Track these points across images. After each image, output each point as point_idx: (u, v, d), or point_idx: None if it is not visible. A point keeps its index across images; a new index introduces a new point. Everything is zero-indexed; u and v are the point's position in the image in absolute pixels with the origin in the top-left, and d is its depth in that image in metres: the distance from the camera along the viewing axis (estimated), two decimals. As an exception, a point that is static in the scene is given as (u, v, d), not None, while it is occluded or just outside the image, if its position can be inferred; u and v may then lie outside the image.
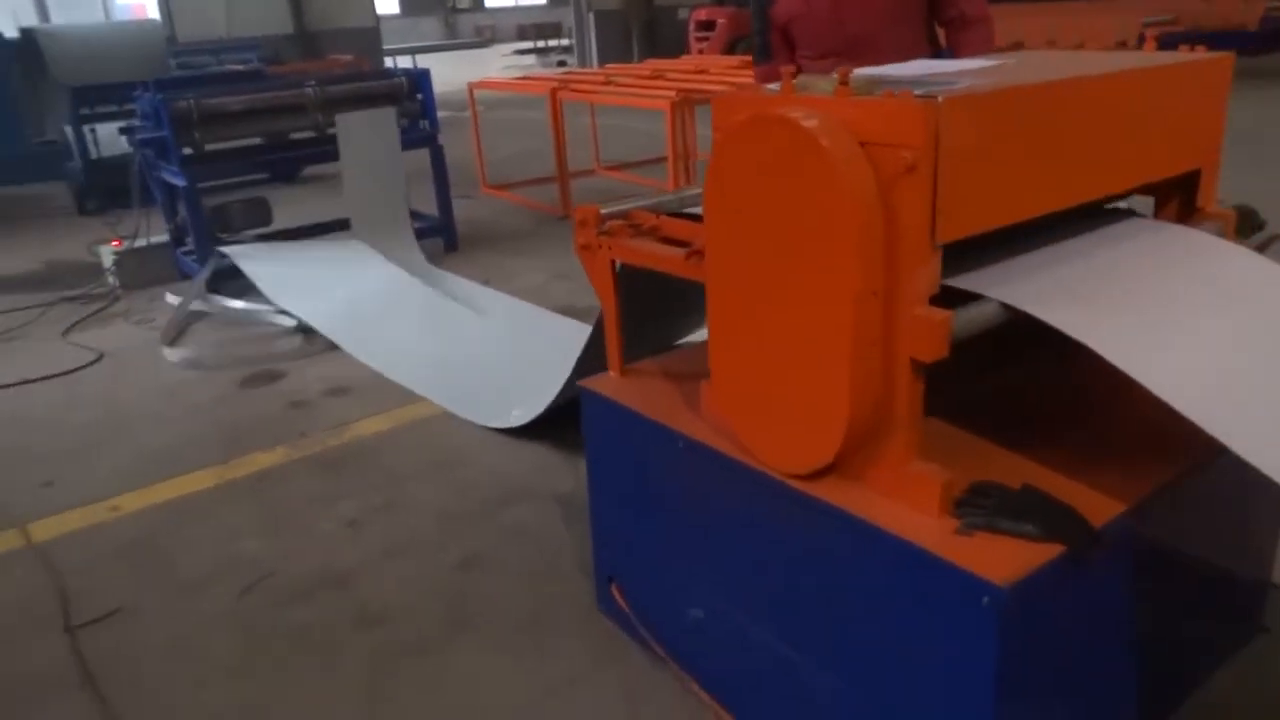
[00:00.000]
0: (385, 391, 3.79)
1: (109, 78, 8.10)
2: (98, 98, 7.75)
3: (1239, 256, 1.80)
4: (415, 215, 5.86)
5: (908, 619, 1.52)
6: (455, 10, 33.94)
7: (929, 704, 1.53)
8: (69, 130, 7.88)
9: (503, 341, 4.17)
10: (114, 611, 2.50)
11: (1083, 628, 1.59)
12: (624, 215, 2.12)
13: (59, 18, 14.34)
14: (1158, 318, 1.56)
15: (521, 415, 3.26)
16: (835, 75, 1.51)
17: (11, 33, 9.87)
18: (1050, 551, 1.43)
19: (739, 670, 1.94)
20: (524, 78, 8.59)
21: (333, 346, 4.27)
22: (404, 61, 21.52)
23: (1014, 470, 1.63)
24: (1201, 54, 1.87)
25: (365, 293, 4.82)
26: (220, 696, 2.17)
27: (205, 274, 5.00)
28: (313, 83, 5.44)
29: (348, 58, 12.88)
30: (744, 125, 1.57)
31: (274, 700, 2.14)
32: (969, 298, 1.54)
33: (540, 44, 26.54)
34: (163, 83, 5.73)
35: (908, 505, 1.55)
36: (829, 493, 1.62)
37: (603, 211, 2.10)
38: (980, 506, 1.51)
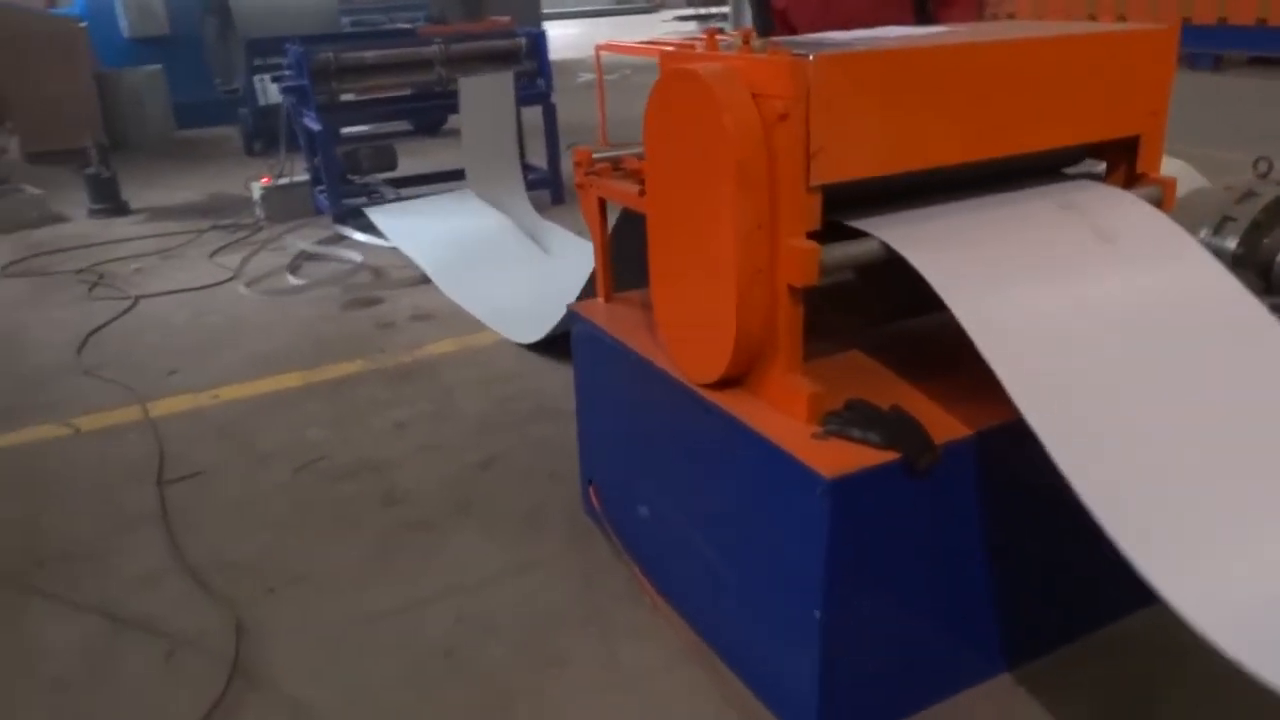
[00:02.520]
0: (461, 320, 4.22)
1: (286, 31, 8.90)
2: (269, 50, 8.52)
3: (1147, 218, 1.91)
4: (529, 168, 6.27)
5: (772, 505, 1.77)
6: (628, -25, 34.29)
7: (784, 578, 1.78)
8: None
9: (568, 277, 4.52)
10: (197, 473, 3.01)
11: (937, 537, 1.78)
12: (616, 159, 2.39)
13: (255, -24, 15.56)
14: (1010, 266, 1.73)
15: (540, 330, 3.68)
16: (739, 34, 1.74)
17: (207, -11, 10.93)
18: (886, 457, 1.65)
19: (670, 558, 2.22)
20: (648, 42, 8.85)
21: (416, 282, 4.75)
22: (568, 25, 22.14)
23: (901, 394, 1.83)
24: (1138, 25, 1.97)
25: (465, 237, 5.27)
26: (260, 542, 2.62)
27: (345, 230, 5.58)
28: (440, 40, 5.90)
29: (505, 19, 13.45)
30: (666, 76, 1.82)
31: (301, 551, 2.58)
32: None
33: (702, 10, 26.56)
34: (311, 37, 6.32)
35: (784, 413, 1.78)
36: (726, 400, 1.87)
37: (595, 155, 2.38)
38: (842, 418, 1.73)
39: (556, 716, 1.96)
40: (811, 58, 1.58)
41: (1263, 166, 3.64)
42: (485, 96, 5.85)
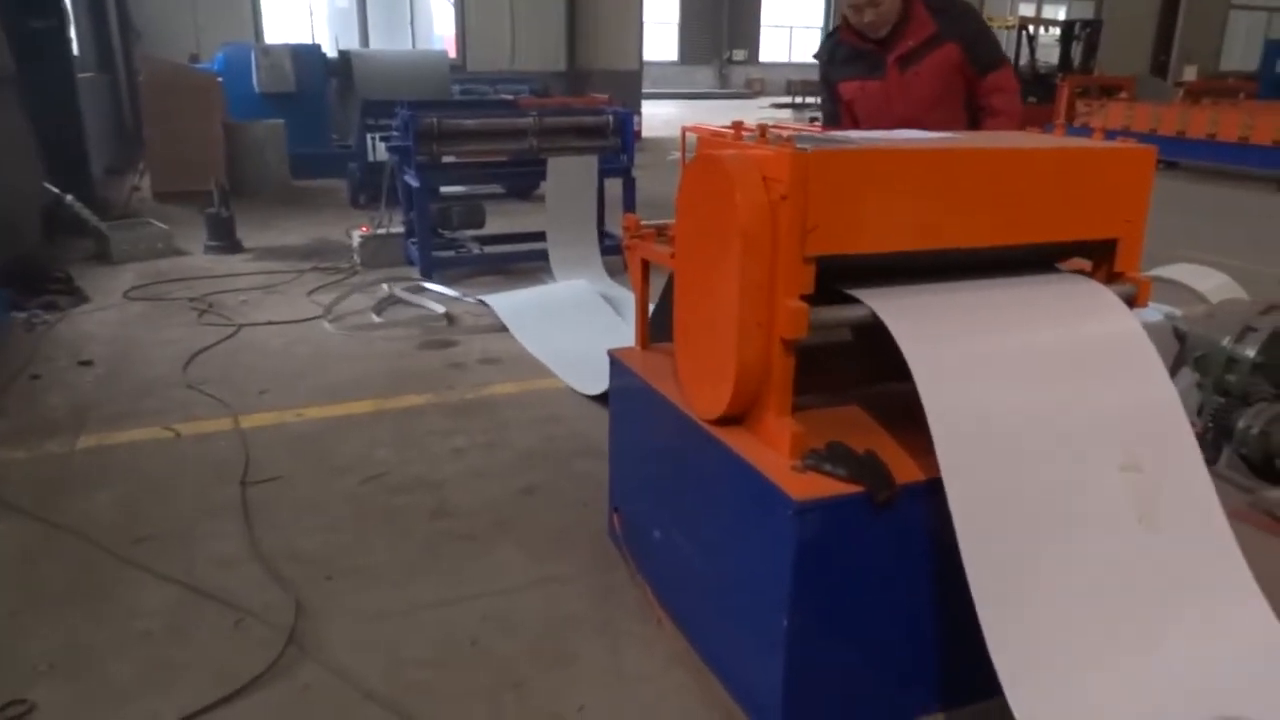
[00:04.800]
0: (525, 365, 4.61)
1: (400, 96, 9.66)
2: (381, 111, 9.25)
3: (1104, 310, 2.16)
4: (607, 236, 6.71)
5: (754, 525, 2.05)
6: (730, 62, 35.40)
7: (759, 589, 2.04)
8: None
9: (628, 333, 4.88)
10: (276, 477, 3.40)
11: (894, 566, 2.02)
12: (661, 227, 2.74)
13: (376, 43, 16.74)
14: (971, 339, 2.01)
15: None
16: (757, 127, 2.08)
17: (332, 54, 11.90)
18: (852, 489, 1.92)
19: (674, 575, 2.49)
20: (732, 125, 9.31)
21: (488, 330, 5.17)
22: (670, 105, 23.05)
23: (878, 442, 2.10)
24: (1120, 144, 2.25)
25: (546, 296, 5.70)
26: (324, 539, 2.98)
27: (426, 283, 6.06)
28: (534, 113, 6.43)
29: (603, 97, 14.17)
30: (697, 158, 2.17)
31: (358, 549, 2.93)
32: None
33: (798, 100, 27.29)
34: (419, 103, 6.92)
35: (772, 449, 2.06)
36: (726, 434, 2.16)
37: (642, 222, 2.74)
38: (820, 455, 2.00)
39: (557, 702, 2.24)
40: (810, 150, 1.91)
41: (1289, 280, 3.81)
42: (570, 174, 6.36)
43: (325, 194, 9.92)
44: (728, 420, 2.18)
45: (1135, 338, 2.12)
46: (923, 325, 1.98)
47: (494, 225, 7.03)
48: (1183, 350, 3.86)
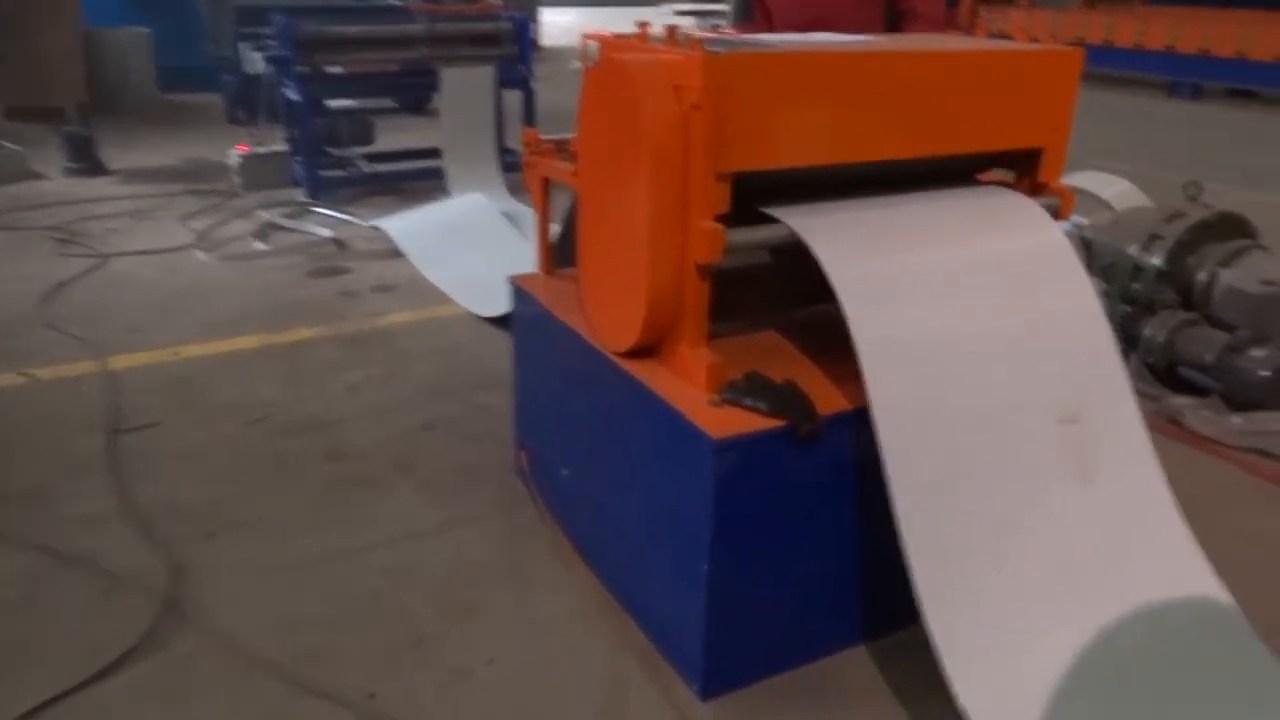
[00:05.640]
0: (422, 292, 4.36)
1: (279, 0, 8.94)
2: (258, 19, 8.56)
3: (1031, 223, 2.06)
4: (507, 152, 6.37)
5: (670, 465, 1.91)
6: (631, -33, 34.27)
7: (678, 533, 1.92)
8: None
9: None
10: (151, 425, 3.11)
11: (819, 502, 1.92)
12: (562, 141, 2.51)
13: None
14: (900, 258, 1.88)
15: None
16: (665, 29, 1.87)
17: (200, -46, 10.95)
18: (774, 424, 1.79)
19: (586, 517, 2.36)
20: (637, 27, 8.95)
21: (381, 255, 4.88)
22: (570, 12, 22.29)
23: (799, 371, 1.97)
24: (1044, 46, 2.12)
25: (443, 215, 5.38)
26: (206, 490, 2.74)
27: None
28: (425, 20, 5.99)
29: (499, 3, 13.49)
30: (599, 63, 1.95)
31: (244, 499, 2.70)
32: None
33: (703, 7, 26.69)
34: (299, 8, 6.39)
35: (688, 382, 1.92)
36: (637, 368, 2.00)
37: (542, 137, 2.51)
38: (738, 388, 1.87)
39: (464, 656, 2.10)
40: (723, 54, 1.72)
41: (1192, 189, 3.82)
42: (465, 85, 5.98)
43: (199, 110, 9.23)
44: (639, 352, 2.02)
45: (1063, 251, 2.02)
46: (847, 244, 1.84)
47: (385, 142, 6.63)
48: (1089, 258, 3.85)
